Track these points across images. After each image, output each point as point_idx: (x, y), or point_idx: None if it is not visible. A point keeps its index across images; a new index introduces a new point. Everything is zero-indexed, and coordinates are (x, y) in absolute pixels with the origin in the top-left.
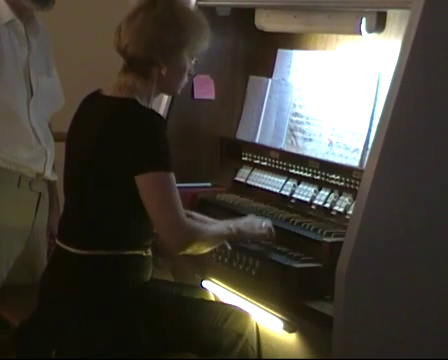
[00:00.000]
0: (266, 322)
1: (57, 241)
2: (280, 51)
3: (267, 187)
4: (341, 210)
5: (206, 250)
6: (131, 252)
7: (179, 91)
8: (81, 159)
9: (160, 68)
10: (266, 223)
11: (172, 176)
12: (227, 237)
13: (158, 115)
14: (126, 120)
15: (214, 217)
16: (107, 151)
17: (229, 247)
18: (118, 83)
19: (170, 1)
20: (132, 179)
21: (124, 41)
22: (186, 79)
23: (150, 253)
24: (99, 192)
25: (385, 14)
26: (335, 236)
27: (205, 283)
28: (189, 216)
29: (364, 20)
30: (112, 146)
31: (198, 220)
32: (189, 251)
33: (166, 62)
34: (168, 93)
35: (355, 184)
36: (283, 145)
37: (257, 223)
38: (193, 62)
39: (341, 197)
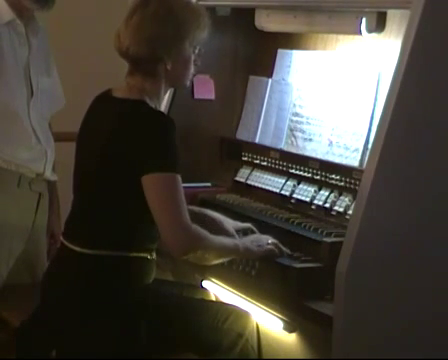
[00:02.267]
0: (266, 322)
1: (62, 239)
2: (280, 51)
3: (267, 187)
4: (341, 210)
5: (212, 262)
6: (135, 254)
7: (188, 83)
8: (90, 159)
9: (165, 64)
10: (272, 240)
11: (178, 178)
12: (233, 253)
13: (167, 117)
14: (134, 121)
15: None
16: (115, 152)
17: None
18: (127, 85)
19: None
20: (138, 180)
21: (125, 43)
22: (193, 69)
23: (154, 256)
24: (106, 192)
25: (385, 14)
26: (335, 236)
27: (205, 283)
28: (201, 213)
29: (364, 20)
30: (120, 147)
31: (210, 217)
32: (192, 257)
33: (169, 56)
34: (177, 87)
35: (355, 184)
36: (283, 145)
37: (263, 240)
38: (196, 51)
39: (341, 197)
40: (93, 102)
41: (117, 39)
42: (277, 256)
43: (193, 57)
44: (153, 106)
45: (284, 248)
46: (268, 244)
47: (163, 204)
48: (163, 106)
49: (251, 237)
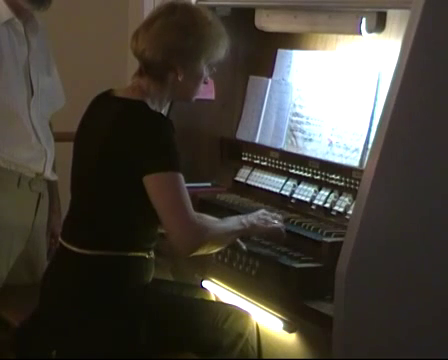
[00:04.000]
0: (266, 322)
1: (60, 240)
2: (280, 51)
3: (267, 187)
4: (341, 210)
5: (219, 249)
6: (134, 254)
7: (194, 98)
8: (88, 159)
9: (177, 74)
10: (279, 217)
11: (181, 176)
12: (241, 233)
13: (166, 118)
14: (133, 122)
15: (214, 217)
16: (113, 152)
17: (244, 247)
18: (132, 85)
19: (190, 8)
20: (138, 180)
21: (142, 45)
22: (201, 87)
23: (153, 255)
24: (104, 193)
25: (385, 14)
26: (335, 236)
27: (205, 283)
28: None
29: (364, 20)
30: (119, 147)
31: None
32: (202, 251)
33: (183, 68)
34: (183, 99)
35: (355, 184)
36: (283, 145)
37: (270, 217)
38: (209, 70)
39: (341, 197)
40: (92, 101)
41: (134, 39)
42: (281, 237)
43: (205, 74)
44: (153, 109)
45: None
46: (274, 223)
47: (168, 204)
48: None
49: (257, 213)
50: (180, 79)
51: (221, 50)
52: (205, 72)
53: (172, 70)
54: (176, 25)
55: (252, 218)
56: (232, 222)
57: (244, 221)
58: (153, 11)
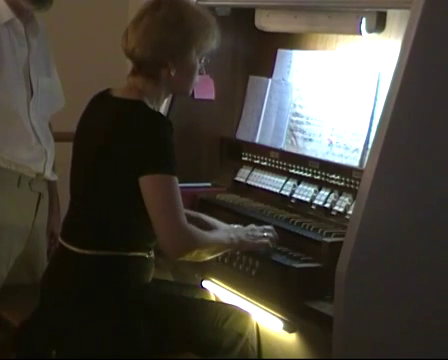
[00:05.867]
0: (266, 322)
1: (60, 240)
2: (280, 51)
3: (267, 187)
4: (341, 210)
5: (207, 258)
6: (134, 253)
7: (191, 91)
8: (87, 159)
9: (169, 69)
10: (267, 232)
11: (175, 180)
12: (228, 247)
13: (165, 118)
14: (132, 121)
15: (214, 217)
16: (112, 151)
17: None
18: (128, 85)
19: (175, 1)
20: (136, 180)
21: (131, 44)
22: (197, 78)
23: (153, 255)
24: (103, 192)
25: (385, 14)
26: (335, 236)
27: (205, 283)
28: (197, 218)
29: (364, 20)
30: (117, 147)
31: (206, 222)
32: (188, 257)
33: (174, 63)
34: (179, 93)
35: (355, 184)
36: (283, 145)
37: (258, 232)
38: (202, 61)
39: (341, 197)
40: (91, 101)
41: (124, 39)
42: (269, 249)
43: (198, 66)
44: (152, 107)
45: (274, 242)
46: (263, 237)
47: (160, 206)
48: (163, 106)
49: (248, 227)
50: (173, 74)
51: (211, 40)
52: (198, 64)
53: (164, 66)
54: (162, 20)
55: (241, 233)
56: (221, 235)
57: (233, 236)
58: (140, 9)
